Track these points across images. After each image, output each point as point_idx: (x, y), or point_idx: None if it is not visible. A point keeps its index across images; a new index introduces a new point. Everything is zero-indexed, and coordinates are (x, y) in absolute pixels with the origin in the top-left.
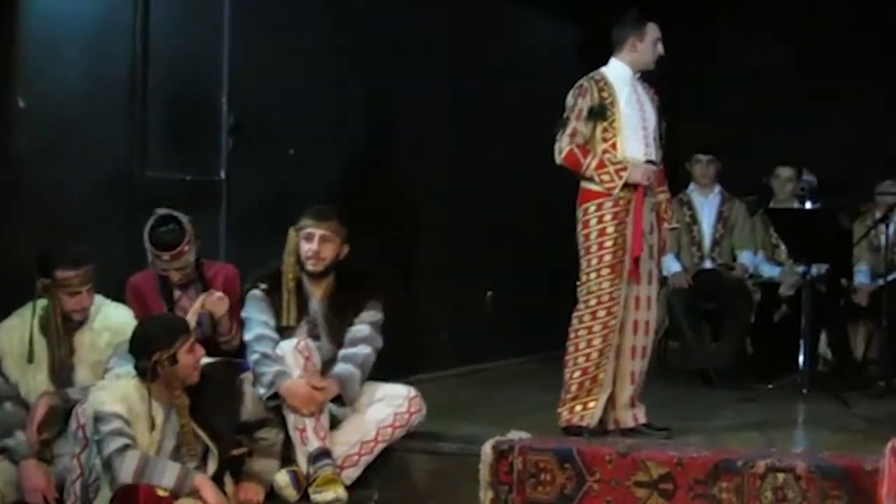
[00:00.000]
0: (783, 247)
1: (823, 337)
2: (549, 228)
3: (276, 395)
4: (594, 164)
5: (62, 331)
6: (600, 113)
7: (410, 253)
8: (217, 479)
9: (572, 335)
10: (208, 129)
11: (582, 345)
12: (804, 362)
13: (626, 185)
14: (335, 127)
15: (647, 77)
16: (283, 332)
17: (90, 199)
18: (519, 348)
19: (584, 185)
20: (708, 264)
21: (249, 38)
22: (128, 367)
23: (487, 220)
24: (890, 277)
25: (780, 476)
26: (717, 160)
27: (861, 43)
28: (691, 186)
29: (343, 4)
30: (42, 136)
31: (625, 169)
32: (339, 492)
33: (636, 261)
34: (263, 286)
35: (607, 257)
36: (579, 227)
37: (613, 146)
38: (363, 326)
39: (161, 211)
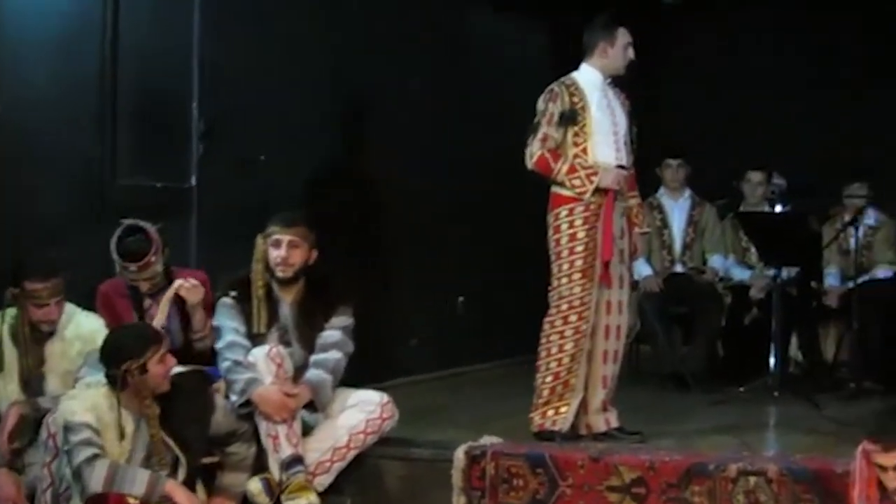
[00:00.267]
0: (753, 250)
1: (794, 339)
2: (521, 233)
3: (248, 403)
4: (565, 168)
5: (30, 340)
6: (571, 118)
7: (383, 258)
8: (188, 488)
9: (544, 340)
10: (179, 136)
11: (554, 349)
12: (775, 365)
13: (597, 190)
14: (306, 132)
15: (619, 81)
16: (255, 339)
17: (60, 206)
18: (491, 353)
19: (555, 189)
20: (679, 268)
21: (219, 45)
22: (98, 377)
23: (460, 225)
24: (860, 280)
25: (752, 479)
26: (687, 164)
27: (828, 47)
28: (661, 190)
29: (315, 8)
30: (11, 142)
31: (596, 174)
32: (312, 499)
33: (606, 265)
34: (233, 294)
35: (578, 262)
36: (550, 231)
37: (584, 151)
38: (334, 332)
39: (128, 221)
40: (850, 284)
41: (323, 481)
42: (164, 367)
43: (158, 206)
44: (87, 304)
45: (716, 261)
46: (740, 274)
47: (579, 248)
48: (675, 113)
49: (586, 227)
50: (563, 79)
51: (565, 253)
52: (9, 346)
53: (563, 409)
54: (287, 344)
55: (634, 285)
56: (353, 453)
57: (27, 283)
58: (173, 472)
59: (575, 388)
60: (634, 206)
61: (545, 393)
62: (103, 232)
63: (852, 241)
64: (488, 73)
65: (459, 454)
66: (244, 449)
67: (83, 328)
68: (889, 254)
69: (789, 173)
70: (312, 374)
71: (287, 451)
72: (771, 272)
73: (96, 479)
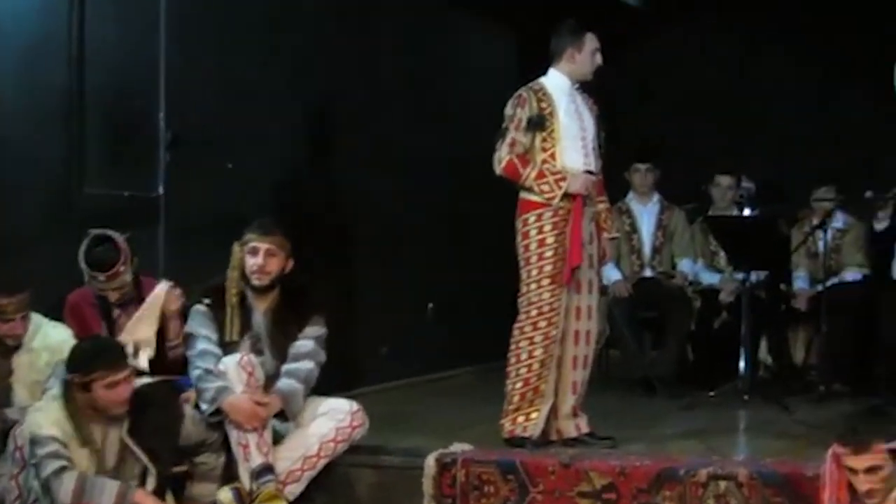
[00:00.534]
0: (722, 254)
1: (763, 343)
2: (490, 239)
3: (218, 411)
4: (533, 174)
5: None
6: (539, 123)
7: (351, 266)
8: (158, 498)
9: (514, 346)
10: (146, 145)
11: (523, 356)
12: (745, 368)
13: (566, 195)
14: (274, 140)
15: (586, 87)
16: (227, 347)
17: (27, 215)
18: (461, 360)
19: (524, 195)
20: (648, 272)
21: (186, 54)
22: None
23: (428, 231)
24: (828, 283)
25: (723, 484)
26: (656, 168)
27: (795, 52)
28: (630, 195)
29: (281, 16)
30: None
31: (564, 179)
32: None
33: (572, 270)
34: (207, 301)
35: (547, 268)
36: (519, 237)
37: (552, 156)
38: (307, 341)
39: (96, 231)
40: (819, 287)
41: (294, 490)
42: (113, 394)
43: (126, 215)
44: (55, 315)
45: (685, 265)
46: (709, 278)
47: (548, 254)
48: (643, 116)
49: (555, 232)
50: (531, 84)
51: (534, 259)
52: None
53: (533, 416)
54: (259, 352)
55: (604, 290)
56: (323, 462)
57: None
58: (142, 483)
59: (545, 394)
60: (603, 210)
61: (515, 399)
62: (71, 241)
63: (821, 244)
64: (456, 78)
65: (430, 461)
66: (213, 459)
67: (51, 339)
68: (857, 256)
69: (757, 177)
70: (284, 383)
71: (257, 459)
72: (740, 276)
73: (65, 492)
